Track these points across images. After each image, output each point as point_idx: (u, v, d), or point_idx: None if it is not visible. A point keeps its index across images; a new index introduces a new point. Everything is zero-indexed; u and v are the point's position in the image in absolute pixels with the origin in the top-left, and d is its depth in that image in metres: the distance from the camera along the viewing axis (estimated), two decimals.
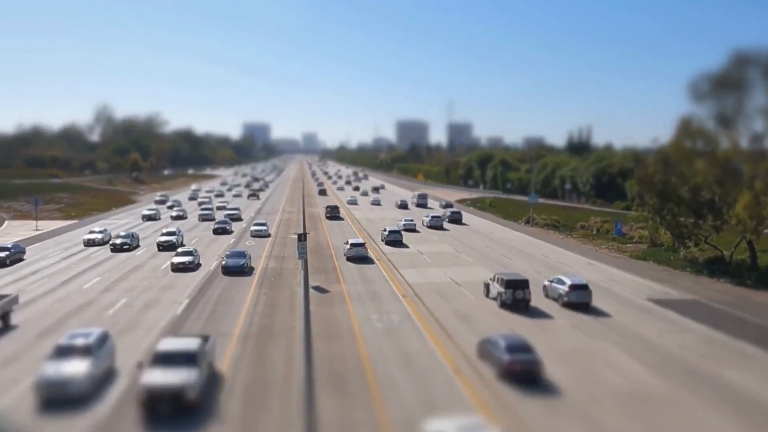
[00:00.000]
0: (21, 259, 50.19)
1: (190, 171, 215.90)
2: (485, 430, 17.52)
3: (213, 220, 76.68)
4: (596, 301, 36.94)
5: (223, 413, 20.81)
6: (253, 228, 66.49)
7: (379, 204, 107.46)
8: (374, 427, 20.03)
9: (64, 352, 22.68)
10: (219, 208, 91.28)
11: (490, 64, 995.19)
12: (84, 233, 62.29)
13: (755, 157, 46.06)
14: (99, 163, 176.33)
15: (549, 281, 38.77)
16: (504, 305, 35.20)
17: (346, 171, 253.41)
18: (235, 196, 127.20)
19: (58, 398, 21.08)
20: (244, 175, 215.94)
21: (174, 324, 31.60)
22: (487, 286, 38.33)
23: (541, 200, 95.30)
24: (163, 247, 55.08)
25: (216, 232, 66.53)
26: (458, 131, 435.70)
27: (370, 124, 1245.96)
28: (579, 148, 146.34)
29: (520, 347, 24.69)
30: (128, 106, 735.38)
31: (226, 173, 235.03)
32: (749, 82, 45.71)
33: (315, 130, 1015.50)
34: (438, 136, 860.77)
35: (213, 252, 54.58)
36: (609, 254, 56.49)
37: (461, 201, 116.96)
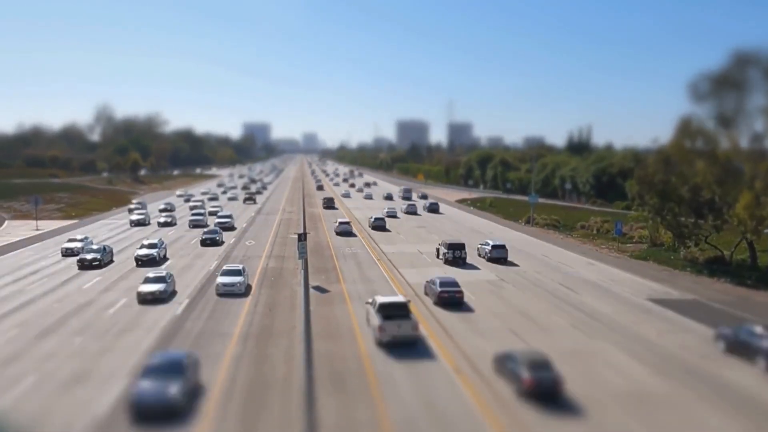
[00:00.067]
0: None
1: (175, 172, 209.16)
2: None
3: (205, 226, 69.24)
4: (596, 301, 37.36)
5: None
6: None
7: (371, 198, 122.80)
8: (374, 427, 20.04)
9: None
10: (212, 213, 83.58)
11: (490, 64, 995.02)
12: (64, 241, 55.72)
13: (755, 156, 46.04)
14: (99, 163, 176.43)
15: (480, 244, 54.17)
16: (448, 261, 49.72)
17: (344, 169, 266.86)
18: (231, 199, 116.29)
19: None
20: (241, 176, 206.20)
21: (174, 324, 31.61)
22: (437, 250, 52.89)
23: (541, 200, 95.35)
24: (142, 261, 47.70)
25: (204, 243, 57.94)
26: (458, 131, 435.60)
27: (370, 124, 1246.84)
28: (579, 147, 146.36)
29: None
30: (128, 106, 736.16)
31: (223, 172, 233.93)
32: (749, 82, 45.72)
33: (315, 130, 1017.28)
34: (438, 136, 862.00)
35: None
36: (609, 254, 56.49)
37: (461, 201, 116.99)
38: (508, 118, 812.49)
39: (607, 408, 21.68)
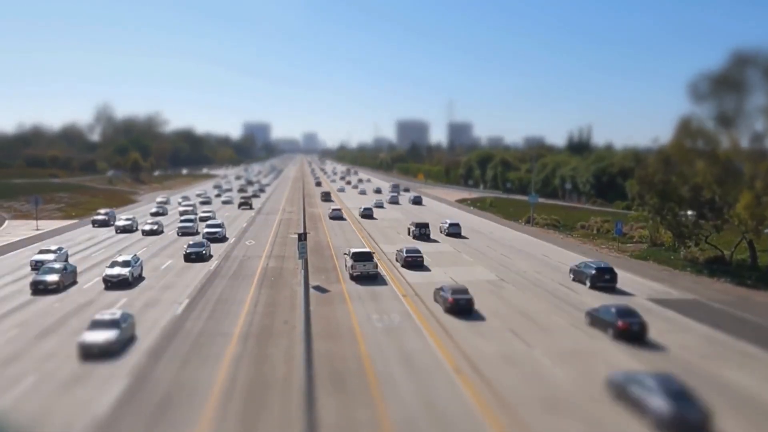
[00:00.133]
0: None
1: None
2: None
3: (195, 233, 64.79)
4: (596, 301, 37.16)
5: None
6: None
7: (364, 193, 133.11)
8: (374, 427, 20.04)
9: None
10: (204, 219, 76.05)
11: (490, 64, 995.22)
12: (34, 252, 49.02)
13: (755, 156, 46.04)
14: (99, 163, 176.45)
15: (440, 223, 70.32)
16: (415, 237, 64.36)
17: (341, 168, 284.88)
18: (226, 203, 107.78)
19: None
20: (238, 177, 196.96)
21: (174, 324, 31.61)
22: (408, 229, 67.76)
23: (541, 200, 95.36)
24: (112, 283, 39.41)
25: (188, 258, 49.08)
26: (458, 131, 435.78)
27: (370, 124, 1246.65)
28: (579, 147, 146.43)
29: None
30: (128, 106, 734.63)
31: (219, 172, 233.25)
32: (749, 82, 45.71)
33: (315, 129, 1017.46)
34: (438, 135, 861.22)
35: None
36: (609, 254, 56.46)
37: (461, 201, 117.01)
38: (508, 118, 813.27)
39: (607, 408, 21.65)
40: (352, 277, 42.82)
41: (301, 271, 40.75)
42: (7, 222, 78.67)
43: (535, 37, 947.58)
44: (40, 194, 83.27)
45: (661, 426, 19.40)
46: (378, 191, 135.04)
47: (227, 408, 21.28)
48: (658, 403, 19.68)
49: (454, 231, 66.98)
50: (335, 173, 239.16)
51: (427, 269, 47.06)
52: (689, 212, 49.18)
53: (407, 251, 48.82)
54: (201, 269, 46.19)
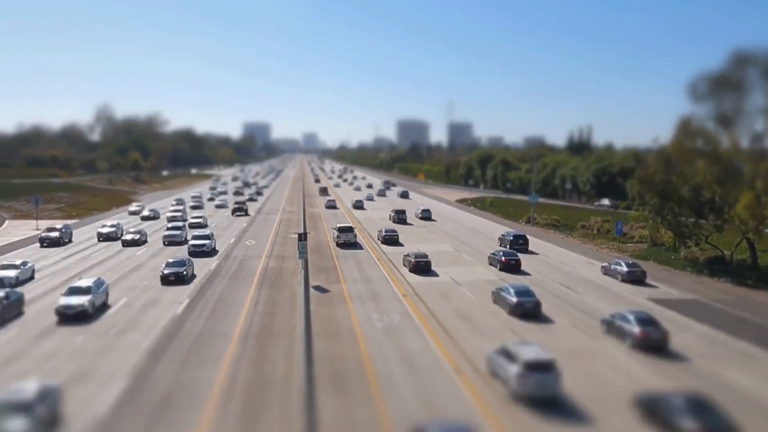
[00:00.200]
0: None
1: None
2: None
3: (183, 243, 57.49)
4: (596, 301, 37.39)
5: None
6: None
7: (359, 189, 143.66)
8: (374, 427, 20.03)
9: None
10: (194, 226, 69.42)
11: (490, 64, 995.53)
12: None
13: (755, 156, 46.04)
14: (99, 163, 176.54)
15: (415, 210, 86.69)
16: (394, 221, 77.31)
17: (339, 167, 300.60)
18: (219, 207, 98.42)
19: None
20: (234, 179, 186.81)
21: (175, 324, 31.60)
22: (389, 215, 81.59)
23: (541, 200, 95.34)
24: (67, 316, 31.79)
25: (166, 281, 40.75)
26: (459, 131, 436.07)
27: (370, 124, 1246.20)
28: (579, 147, 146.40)
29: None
30: (128, 106, 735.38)
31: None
32: (749, 82, 45.71)
33: (315, 129, 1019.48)
34: (438, 135, 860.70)
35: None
36: (609, 254, 56.44)
37: (461, 200, 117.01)
38: (509, 118, 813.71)
39: (607, 408, 21.65)
40: (338, 245, 57.81)
41: (301, 271, 40.75)
42: (7, 222, 78.72)
43: (535, 37, 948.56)
44: (40, 194, 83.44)
45: None
46: (370, 186, 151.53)
47: (227, 408, 21.28)
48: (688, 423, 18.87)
49: (425, 215, 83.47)
50: (333, 172, 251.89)
51: (401, 244, 59.03)
52: (690, 219, 49.08)
53: (386, 231, 61.94)
54: (181, 294, 37.92)
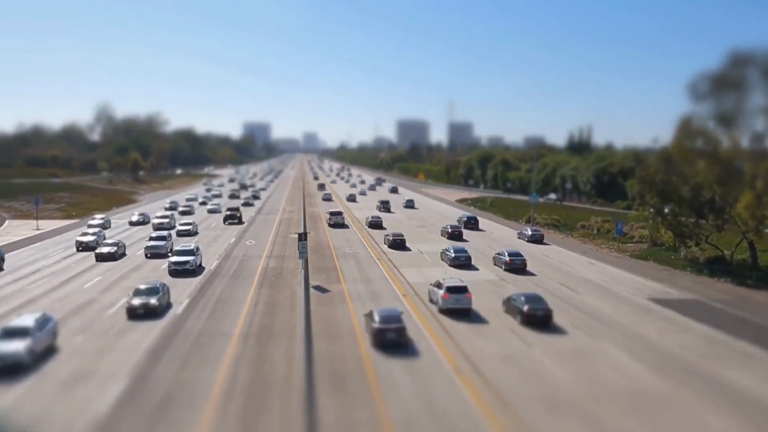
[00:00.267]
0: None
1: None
2: None
3: (166, 255, 50.08)
4: (597, 301, 37.45)
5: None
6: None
7: (354, 186, 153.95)
8: (374, 427, 20.03)
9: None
10: (182, 234, 64.04)
11: (490, 64, 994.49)
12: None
13: (756, 156, 46.03)
14: (99, 163, 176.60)
15: (402, 201, 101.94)
16: (379, 210, 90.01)
17: (337, 166, 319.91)
18: (212, 211, 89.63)
19: None
20: (231, 180, 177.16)
21: (175, 324, 31.61)
22: (377, 205, 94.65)
23: (541, 200, 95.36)
24: None
25: (133, 314, 32.35)
26: (459, 131, 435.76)
27: (370, 124, 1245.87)
28: (579, 147, 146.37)
29: None
30: (128, 106, 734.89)
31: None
32: (749, 82, 45.69)
33: (315, 129, 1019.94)
34: (439, 135, 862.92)
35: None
36: (609, 254, 56.48)
37: (461, 200, 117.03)
38: (509, 118, 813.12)
39: (608, 407, 21.66)
40: (329, 225, 72.96)
41: (301, 270, 40.74)
42: (7, 222, 78.74)
43: (535, 37, 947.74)
44: (40, 194, 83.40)
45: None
46: (363, 183, 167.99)
47: (227, 408, 21.28)
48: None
49: (409, 204, 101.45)
50: (331, 170, 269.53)
51: (383, 228, 70.59)
52: (690, 219, 49.07)
53: (372, 217, 75.26)
54: (147, 333, 29.40)
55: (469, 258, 48.60)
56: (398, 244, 57.40)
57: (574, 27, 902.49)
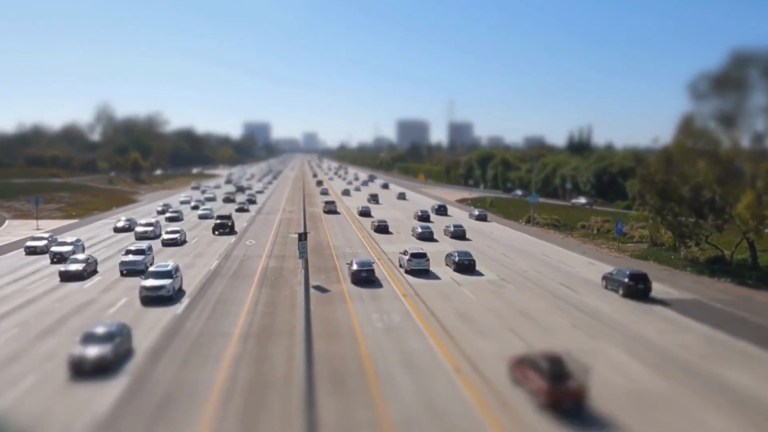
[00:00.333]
0: None
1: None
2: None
3: (143, 272, 42.10)
4: (597, 301, 37.46)
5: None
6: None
7: (350, 183, 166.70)
8: (375, 427, 20.03)
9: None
10: (168, 244, 57.09)
11: (490, 64, 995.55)
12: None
13: (756, 156, 46.01)
14: (99, 163, 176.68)
15: (395, 195, 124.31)
16: (369, 202, 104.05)
17: (335, 165, 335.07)
18: (204, 217, 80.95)
19: None
20: (227, 182, 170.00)
21: (175, 323, 31.61)
22: (367, 198, 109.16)
23: (541, 200, 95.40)
24: None
25: (77, 368, 24.18)
26: (459, 131, 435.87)
27: (370, 124, 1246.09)
28: (579, 147, 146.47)
29: None
30: (128, 106, 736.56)
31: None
32: (749, 81, 45.66)
33: (316, 129, 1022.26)
34: (439, 135, 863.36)
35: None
36: (609, 254, 56.46)
37: (461, 200, 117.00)
38: (509, 118, 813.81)
39: (608, 408, 21.64)
40: (324, 212, 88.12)
41: (301, 270, 40.73)
42: (7, 222, 78.73)
43: (535, 37, 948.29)
44: (40, 194, 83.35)
45: None
46: (357, 179, 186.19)
47: (227, 408, 21.28)
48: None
49: (400, 197, 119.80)
50: (330, 169, 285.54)
51: (371, 216, 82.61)
52: (690, 219, 49.02)
53: (362, 207, 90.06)
54: (89, 402, 21.58)
55: (431, 233, 63.88)
56: (382, 229, 68.71)
57: (574, 27, 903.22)
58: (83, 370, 24.00)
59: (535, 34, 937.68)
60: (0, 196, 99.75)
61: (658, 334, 30.70)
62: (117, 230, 68.05)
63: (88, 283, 41.22)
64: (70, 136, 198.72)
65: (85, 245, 55.65)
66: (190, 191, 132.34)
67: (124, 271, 43.79)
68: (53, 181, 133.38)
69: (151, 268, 38.80)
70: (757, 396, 22.96)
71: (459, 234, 64.68)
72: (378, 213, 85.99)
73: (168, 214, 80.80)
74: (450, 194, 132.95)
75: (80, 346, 24.82)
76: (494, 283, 42.58)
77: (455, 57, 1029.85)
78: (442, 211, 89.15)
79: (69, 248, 50.28)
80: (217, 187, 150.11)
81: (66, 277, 41.89)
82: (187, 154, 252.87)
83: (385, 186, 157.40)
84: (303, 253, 42.09)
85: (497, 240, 64.66)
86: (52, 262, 47.97)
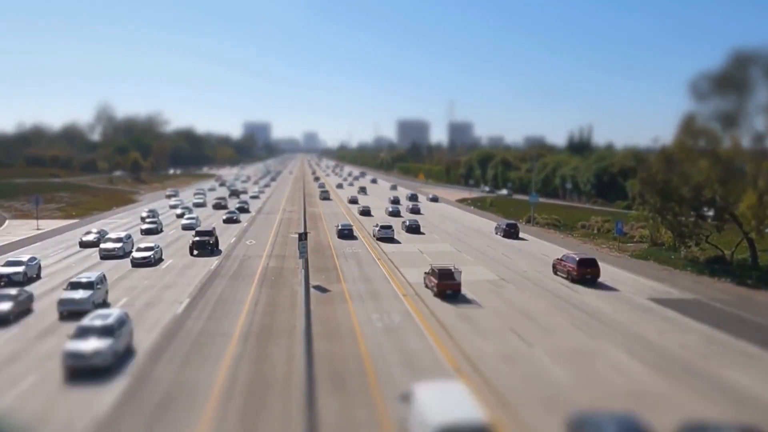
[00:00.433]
0: None
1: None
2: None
3: (86, 312, 30.56)
4: (597, 301, 37.44)
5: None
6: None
7: (345, 179, 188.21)
8: (375, 427, 20.02)
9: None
10: (139, 264, 46.52)
11: (490, 64, 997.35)
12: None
13: (757, 156, 45.99)
14: (99, 163, 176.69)
15: (388, 187, 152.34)
16: (359, 193, 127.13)
17: (332, 164, 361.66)
18: (188, 228, 68.91)
19: None
20: (222, 184, 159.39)
21: (175, 323, 31.59)
22: (357, 189, 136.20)
23: (541, 200, 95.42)
24: None
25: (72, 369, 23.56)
26: (459, 130, 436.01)
27: (370, 124, 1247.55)
28: (580, 147, 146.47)
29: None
30: (129, 106, 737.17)
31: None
32: (750, 81, 45.64)
33: (316, 129, 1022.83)
34: (439, 135, 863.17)
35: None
36: (610, 253, 56.45)
37: (462, 200, 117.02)
38: (509, 118, 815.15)
39: (608, 407, 21.62)
40: (320, 199, 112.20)
41: (301, 270, 40.72)
42: (7, 221, 78.70)
43: (535, 37, 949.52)
44: (40, 194, 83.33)
45: None
46: (350, 175, 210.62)
47: (227, 408, 21.27)
48: None
49: (392, 187, 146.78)
50: (328, 167, 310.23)
51: (358, 204, 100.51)
52: (690, 219, 48.99)
53: (351, 196, 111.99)
54: None
55: (399, 211, 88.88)
56: (366, 212, 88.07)
57: (574, 27, 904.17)
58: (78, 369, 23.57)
59: (535, 34, 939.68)
60: (0, 196, 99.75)
61: (658, 333, 30.69)
62: (83, 245, 56.14)
63: (13, 329, 30.39)
64: (70, 136, 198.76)
65: (45, 264, 46.17)
66: (183, 194, 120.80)
67: (64, 313, 32.56)
68: (53, 181, 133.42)
69: (84, 320, 26.41)
70: (757, 396, 22.96)
71: (415, 209, 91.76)
72: (364, 201, 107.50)
73: (145, 225, 68.16)
74: (450, 194, 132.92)
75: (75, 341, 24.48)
76: (494, 282, 42.55)
77: (455, 57, 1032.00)
78: (413, 198, 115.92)
79: (20, 269, 40.51)
80: (212, 189, 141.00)
81: (11, 315, 31.50)
82: (187, 154, 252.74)
83: (374, 181, 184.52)
84: (303, 253, 42.08)
85: (438, 212, 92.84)
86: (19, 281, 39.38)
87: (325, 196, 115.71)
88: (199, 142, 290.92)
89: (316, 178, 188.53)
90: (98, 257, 50.76)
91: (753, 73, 45.45)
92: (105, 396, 22.15)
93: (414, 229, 68.32)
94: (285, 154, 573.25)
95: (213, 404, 21.55)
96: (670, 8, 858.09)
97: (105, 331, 25.34)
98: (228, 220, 76.84)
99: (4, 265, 41.35)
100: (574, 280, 42.24)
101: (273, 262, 49.43)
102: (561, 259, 44.97)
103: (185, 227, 69.76)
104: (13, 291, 33.38)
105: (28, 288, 37.28)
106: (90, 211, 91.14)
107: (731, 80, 46.07)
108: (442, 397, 18.10)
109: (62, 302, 33.05)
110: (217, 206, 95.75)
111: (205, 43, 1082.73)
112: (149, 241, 55.67)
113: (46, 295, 37.60)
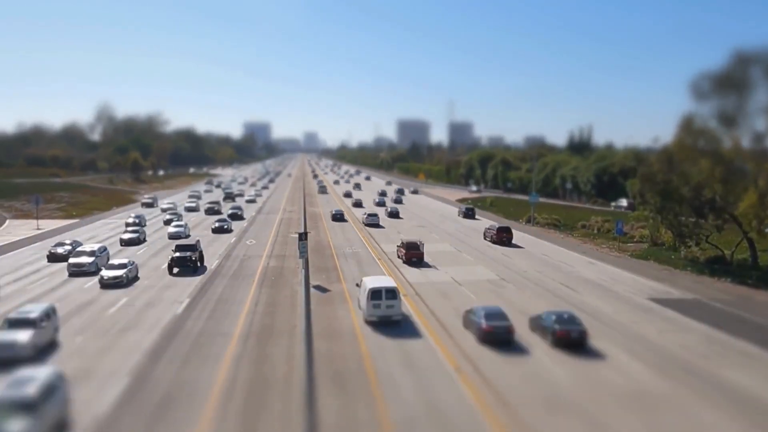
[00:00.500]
0: None
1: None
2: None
3: (50, 347, 27.00)
4: (597, 300, 37.41)
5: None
6: None
7: (342, 177, 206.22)
8: (375, 427, 20.02)
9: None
10: (107, 285, 39.17)
11: (490, 64, 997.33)
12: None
13: (758, 156, 45.98)
14: (99, 163, 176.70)
15: (385, 184, 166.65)
16: (354, 188, 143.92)
17: (331, 163, 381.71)
18: (174, 236, 61.24)
19: None
20: (218, 185, 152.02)
21: (175, 323, 31.60)
22: (353, 185, 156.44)
23: (541, 199, 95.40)
24: None
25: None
26: (459, 130, 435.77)
27: (370, 124, 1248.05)
28: (580, 147, 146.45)
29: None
30: (129, 106, 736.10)
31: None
32: (751, 81, 45.62)
33: (316, 129, 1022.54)
34: (439, 135, 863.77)
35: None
36: (610, 253, 56.45)
37: (462, 200, 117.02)
38: (509, 118, 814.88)
39: (608, 407, 21.65)
40: (318, 193, 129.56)
41: (301, 270, 40.72)
42: (7, 221, 78.69)
43: (535, 37, 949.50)
44: (40, 194, 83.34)
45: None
46: (347, 173, 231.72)
47: (227, 408, 21.27)
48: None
49: (388, 183, 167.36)
50: (327, 166, 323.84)
51: (352, 197, 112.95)
52: (690, 218, 48.98)
53: (346, 191, 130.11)
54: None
55: (384, 201, 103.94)
56: (358, 203, 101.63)
57: (574, 27, 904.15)
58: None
59: (535, 34, 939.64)
60: (0, 195, 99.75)
61: (658, 333, 30.70)
62: (52, 258, 48.56)
63: None
64: (70, 136, 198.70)
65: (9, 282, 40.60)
66: (177, 195, 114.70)
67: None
68: (53, 180, 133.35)
69: (14, 375, 19.52)
70: (757, 396, 22.95)
71: (398, 200, 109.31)
72: (357, 195, 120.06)
73: (125, 234, 59.25)
74: (450, 194, 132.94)
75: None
76: (494, 282, 42.57)
77: (455, 57, 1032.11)
78: (400, 191, 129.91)
79: None
80: (209, 191, 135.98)
81: None
82: (188, 154, 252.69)
83: (368, 178, 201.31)
84: (303, 253, 42.08)
85: (416, 203, 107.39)
86: None
87: (322, 191, 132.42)
88: (200, 142, 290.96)
89: (315, 176, 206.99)
90: (66, 274, 43.25)
91: (753, 73, 45.46)
92: (105, 395, 22.08)
93: (394, 214, 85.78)
94: (285, 154, 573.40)
95: (213, 404, 21.56)
96: (670, 8, 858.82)
97: (26, 406, 17.69)
98: (218, 230, 67.32)
99: None
100: (494, 242, 60.01)
101: (273, 262, 49.43)
102: (488, 228, 63.60)
103: (172, 236, 61.52)
104: None
105: None
106: (90, 210, 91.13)
107: (731, 80, 46.06)
108: (375, 279, 33.79)
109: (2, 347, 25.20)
110: (210, 211, 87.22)
111: (205, 43, 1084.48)
112: (129, 254, 50.21)
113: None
